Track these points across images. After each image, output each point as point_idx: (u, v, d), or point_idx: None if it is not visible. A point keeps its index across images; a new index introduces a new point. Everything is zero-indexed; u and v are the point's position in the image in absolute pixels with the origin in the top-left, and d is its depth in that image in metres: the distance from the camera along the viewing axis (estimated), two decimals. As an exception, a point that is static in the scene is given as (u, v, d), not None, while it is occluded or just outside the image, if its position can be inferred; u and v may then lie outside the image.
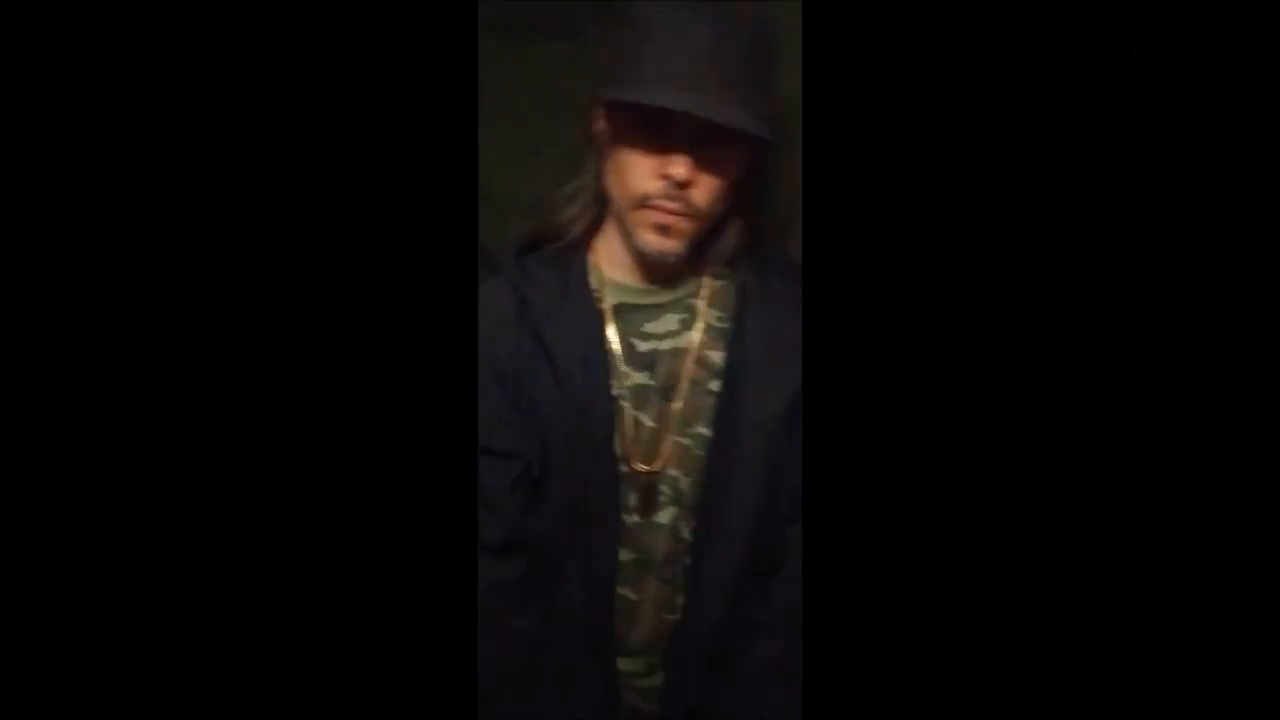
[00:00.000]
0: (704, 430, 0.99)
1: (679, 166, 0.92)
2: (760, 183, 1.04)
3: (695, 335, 1.01)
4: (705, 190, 0.95)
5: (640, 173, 0.94)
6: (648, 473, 0.99)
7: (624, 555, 0.99)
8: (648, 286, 1.03)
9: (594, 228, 1.04)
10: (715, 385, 1.00)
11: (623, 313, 1.02)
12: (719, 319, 1.02)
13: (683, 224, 0.95)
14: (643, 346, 1.01)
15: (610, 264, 1.03)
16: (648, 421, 0.99)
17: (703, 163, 0.93)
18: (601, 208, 1.03)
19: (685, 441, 0.99)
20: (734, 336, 1.01)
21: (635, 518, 0.99)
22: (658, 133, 0.93)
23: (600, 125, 0.99)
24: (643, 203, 0.95)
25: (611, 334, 1.01)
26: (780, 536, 0.99)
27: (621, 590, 1.00)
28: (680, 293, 1.03)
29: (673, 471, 0.99)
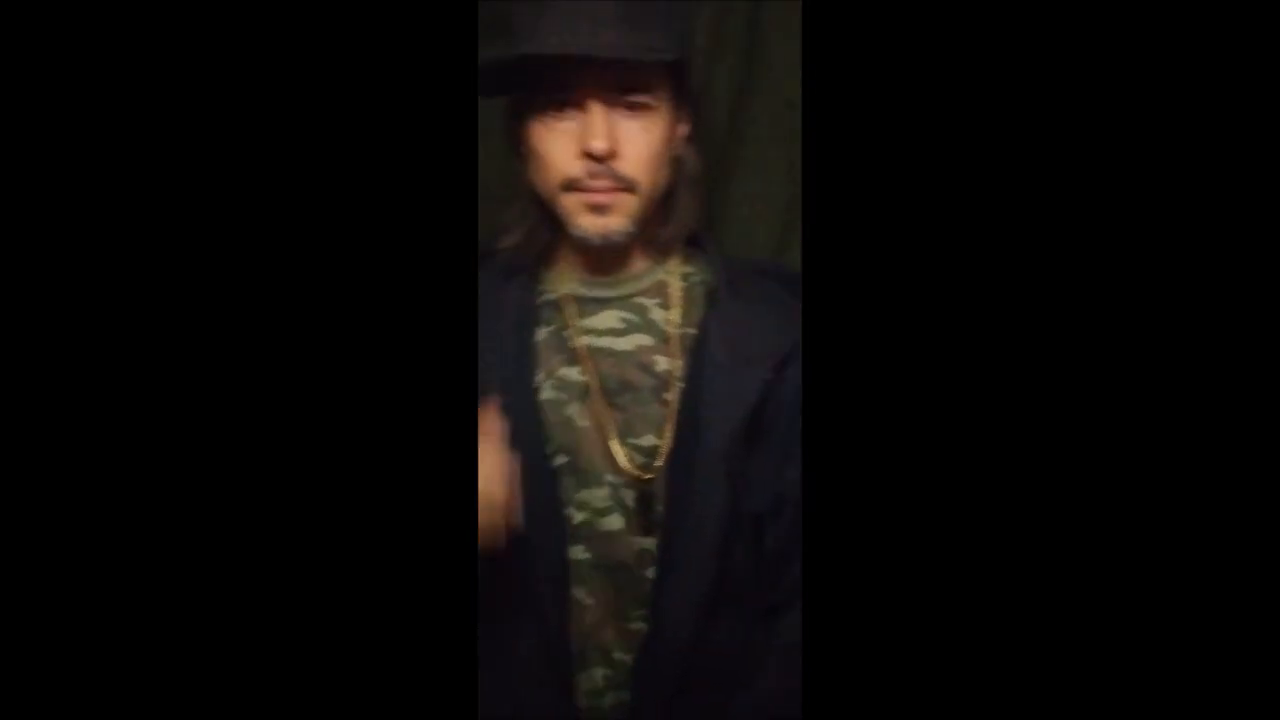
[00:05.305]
0: (654, 440, 0.93)
1: (597, 138, 0.86)
2: (698, 149, 0.97)
3: (640, 338, 0.95)
4: (633, 160, 0.89)
5: (559, 156, 0.89)
6: (641, 480, 0.93)
7: (578, 554, 0.93)
8: (596, 279, 0.97)
9: (549, 237, 0.96)
10: (668, 395, 0.93)
11: (563, 305, 0.96)
12: (669, 322, 0.96)
13: (619, 200, 0.89)
14: (577, 341, 0.95)
15: (565, 259, 0.98)
16: (580, 422, 0.93)
17: (623, 130, 0.88)
18: (541, 210, 0.94)
19: (634, 451, 0.93)
20: (696, 342, 0.95)
21: (598, 519, 0.93)
22: (565, 106, 0.87)
23: (512, 123, 0.93)
24: (570, 187, 0.89)
25: (542, 327, 0.96)
26: (751, 557, 0.94)
27: (575, 592, 0.93)
28: (628, 289, 0.97)
29: (616, 479, 0.93)
